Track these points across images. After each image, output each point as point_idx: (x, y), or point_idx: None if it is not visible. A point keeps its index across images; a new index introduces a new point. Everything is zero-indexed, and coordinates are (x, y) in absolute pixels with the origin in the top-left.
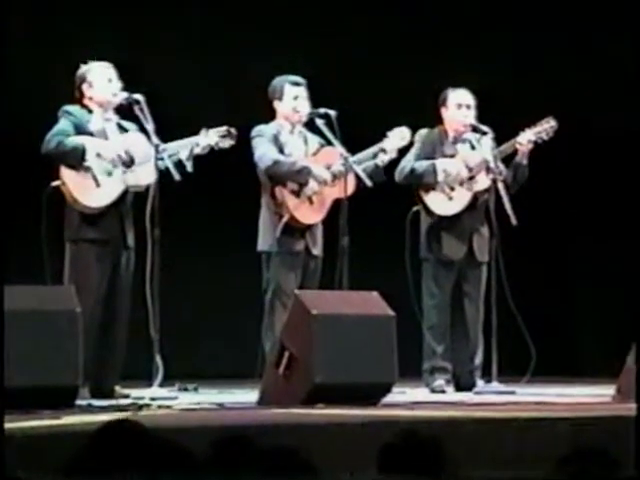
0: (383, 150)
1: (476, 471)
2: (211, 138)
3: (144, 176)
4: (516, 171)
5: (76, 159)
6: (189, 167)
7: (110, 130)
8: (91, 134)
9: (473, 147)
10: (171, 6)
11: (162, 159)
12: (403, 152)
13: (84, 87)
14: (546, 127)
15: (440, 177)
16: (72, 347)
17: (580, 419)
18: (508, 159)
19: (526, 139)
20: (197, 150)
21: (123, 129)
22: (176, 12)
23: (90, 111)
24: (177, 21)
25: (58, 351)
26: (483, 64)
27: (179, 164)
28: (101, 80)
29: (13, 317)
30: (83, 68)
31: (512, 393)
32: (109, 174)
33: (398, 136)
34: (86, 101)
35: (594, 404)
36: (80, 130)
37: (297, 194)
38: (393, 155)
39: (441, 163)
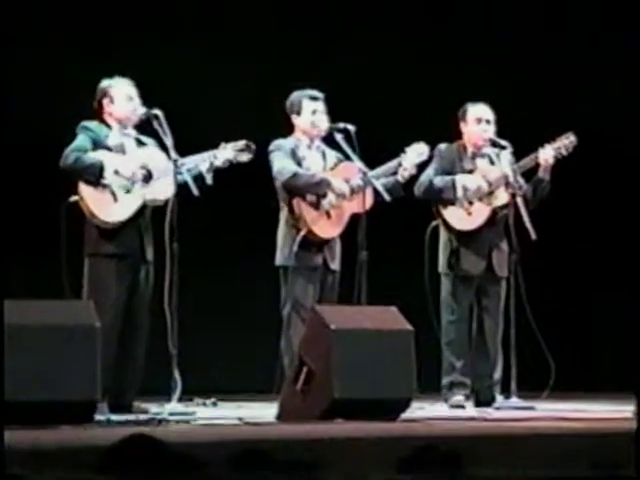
0: (401, 165)
1: None
2: (230, 152)
3: (162, 191)
4: (536, 186)
5: (94, 176)
6: (209, 180)
7: (128, 145)
8: (109, 149)
9: (492, 162)
10: (189, 21)
11: (181, 173)
12: (422, 167)
13: (105, 102)
14: (566, 142)
15: (459, 193)
16: (91, 362)
17: (600, 435)
18: (529, 174)
19: (546, 155)
20: (217, 163)
21: (141, 144)
22: (194, 27)
23: (108, 126)
24: (195, 36)
25: (77, 366)
26: (502, 79)
27: (199, 177)
28: (122, 97)
29: (32, 332)
30: (105, 82)
31: (531, 409)
32: (127, 191)
33: (416, 151)
34: (105, 116)
35: (614, 420)
36: (98, 145)
37: (315, 207)
38: (413, 171)
39: (460, 179)
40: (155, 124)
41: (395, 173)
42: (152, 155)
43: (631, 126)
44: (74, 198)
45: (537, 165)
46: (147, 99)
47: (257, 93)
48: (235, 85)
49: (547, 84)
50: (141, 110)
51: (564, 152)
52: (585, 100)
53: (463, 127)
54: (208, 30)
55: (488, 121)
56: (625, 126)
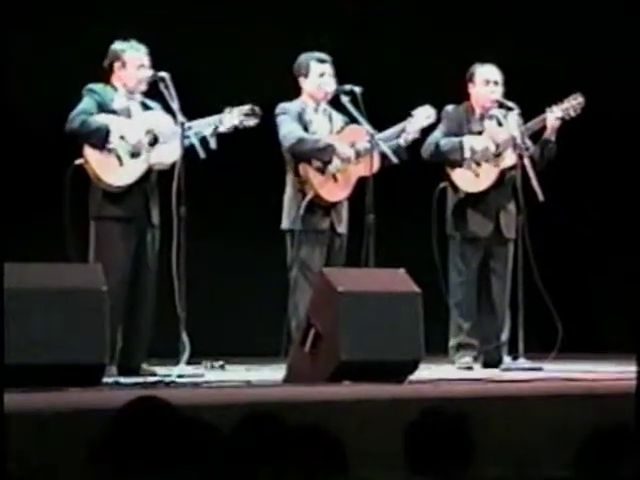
0: (405, 129)
1: (502, 450)
2: (235, 117)
3: (168, 154)
4: (544, 148)
5: (100, 140)
6: (213, 144)
7: (134, 109)
8: (115, 112)
9: (500, 124)
10: None
11: (188, 137)
12: (430, 129)
13: (116, 65)
14: (573, 103)
15: (467, 154)
16: (99, 325)
17: (607, 395)
18: (536, 136)
19: (554, 116)
20: (221, 128)
21: (147, 108)
22: None
23: (115, 88)
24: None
25: (85, 329)
26: (510, 39)
27: (203, 141)
28: (135, 64)
29: (39, 295)
30: (119, 46)
31: (539, 369)
32: (133, 155)
33: (423, 114)
34: (114, 79)
35: (620, 380)
36: (103, 108)
37: (322, 171)
38: (416, 135)
39: (468, 140)
40: (162, 87)
41: (399, 136)
42: (158, 119)
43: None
44: (79, 161)
45: (544, 126)
46: (154, 62)
47: (264, 55)
48: (241, 47)
49: (553, 44)
50: (148, 72)
51: (572, 113)
52: (593, 61)
53: (471, 88)
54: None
55: (496, 82)
56: (634, 86)
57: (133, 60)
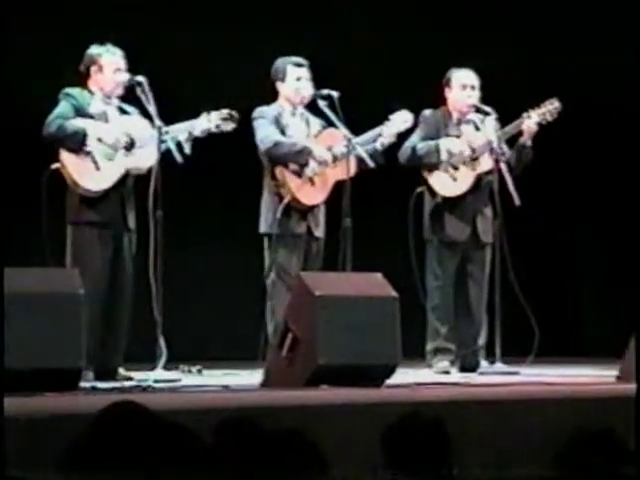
0: (382, 134)
1: (480, 453)
2: (213, 121)
3: (145, 159)
4: (520, 152)
5: (77, 143)
6: (187, 149)
7: (111, 113)
8: (92, 117)
9: (477, 128)
10: None
11: (165, 141)
12: (407, 134)
13: (93, 69)
14: (550, 108)
15: (443, 156)
16: (75, 329)
17: (583, 400)
18: (512, 140)
19: (530, 121)
20: (196, 132)
21: (124, 112)
22: None
23: (91, 93)
24: (179, 3)
25: (61, 333)
26: (486, 44)
27: (179, 146)
28: (111, 68)
29: (16, 299)
30: (96, 50)
31: (516, 374)
32: (110, 159)
33: (400, 119)
34: (90, 83)
35: (598, 385)
36: (81, 113)
37: (298, 175)
38: (392, 139)
39: (444, 142)
40: (138, 91)
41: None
42: (135, 123)
43: (616, 91)
44: (55, 165)
45: (520, 131)
46: (131, 67)
47: (241, 61)
48: (220, 53)
49: (531, 49)
50: (125, 76)
51: (549, 118)
52: (568, 65)
53: (448, 93)
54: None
55: (473, 87)
56: (610, 92)
57: (110, 64)
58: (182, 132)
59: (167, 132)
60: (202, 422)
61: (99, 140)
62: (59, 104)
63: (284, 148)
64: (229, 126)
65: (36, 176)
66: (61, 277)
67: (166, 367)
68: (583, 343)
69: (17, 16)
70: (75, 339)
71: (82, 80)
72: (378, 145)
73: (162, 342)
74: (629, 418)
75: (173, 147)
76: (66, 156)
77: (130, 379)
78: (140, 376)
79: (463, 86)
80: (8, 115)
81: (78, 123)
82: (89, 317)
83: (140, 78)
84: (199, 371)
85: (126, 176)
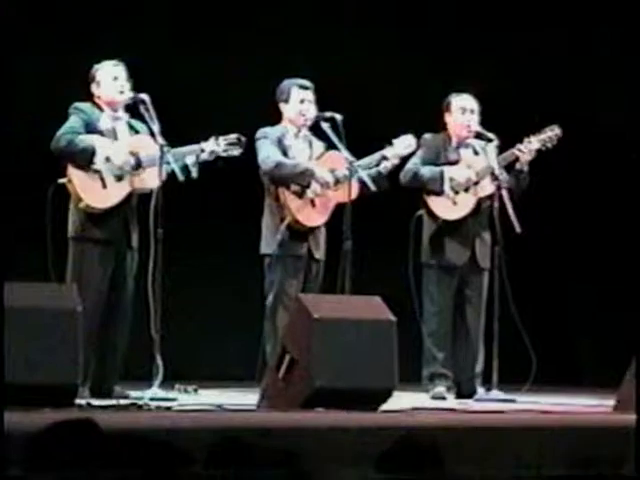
0: (385, 157)
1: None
2: (221, 145)
3: (150, 179)
4: (517, 178)
5: (85, 160)
6: (194, 173)
7: (120, 130)
8: (101, 133)
9: (476, 152)
10: (183, 9)
11: (168, 163)
12: (407, 158)
13: (93, 86)
14: (550, 135)
15: (446, 186)
16: (72, 346)
17: (580, 429)
18: (509, 166)
19: (530, 147)
20: (203, 156)
21: (133, 128)
22: (188, 15)
23: (101, 109)
24: (186, 25)
25: (58, 349)
26: (488, 70)
27: (185, 169)
28: (108, 79)
29: (14, 314)
30: (94, 67)
31: (512, 401)
32: (117, 178)
33: (403, 143)
34: (96, 100)
35: (594, 414)
36: (90, 128)
37: (300, 196)
38: (395, 162)
39: (448, 171)
40: (142, 109)
41: (380, 164)
42: (143, 142)
43: (614, 118)
44: (62, 180)
45: (517, 157)
46: (136, 86)
47: (246, 84)
48: (225, 77)
49: (531, 75)
50: (128, 94)
51: (549, 145)
52: (567, 92)
53: (447, 117)
54: (200, 17)
55: (472, 111)
56: (608, 118)
57: (105, 75)
58: (189, 155)
59: (169, 151)
60: (197, 442)
61: (107, 159)
62: (69, 118)
63: (286, 169)
64: (236, 151)
65: (42, 190)
66: (60, 292)
67: (162, 386)
68: (580, 371)
69: (25, 34)
70: (72, 355)
71: (91, 100)
72: (382, 169)
73: (159, 360)
74: (625, 447)
75: (177, 169)
76: (73, 172)
77: (126, 397)
78: (136, 394)
79: (462, 110)
80: (16, 128)
81: (87, 140)
82: (87, 334)
83: (143, 96)
84: (195, 390)
85: (131, 195)
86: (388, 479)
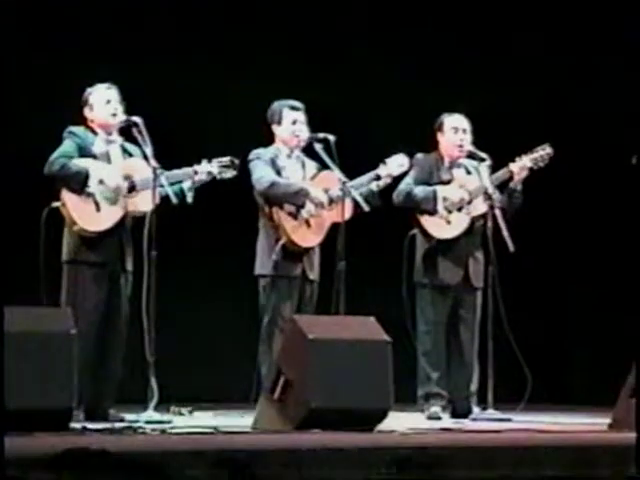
0: (378, 177)
1: None
2: (214, 168)
3: (144, 202)
4: (510, 197)
5: (78, 184)
6: (189, 198)
7: (113, 153)
8: (94, 156)
9: (468, 172)
10: (176, 30)
11: (162, 186)
12: (400, 177)
13: (86, 110)
14: (542, 154)
15: (440, 206)
16: (67, 369)
17: (576, 447)
18: (502, 185)
19: (522, 166)
20: (201, 177)
21: (127, 152)
22: (181, 39)
23: (95, 132)
24: (182, 46)
25: (53, 373)
26: (480, 90)
27: (180, 193)
28: (100, 102)
29: (8, 338)
30: (87, 90)
31: (508, 420)
32: (111, 202)
33: (396, 163)
34: (89, 123)
35: (590, 432)
36: (84, 152)
37: (294, 216)
38: (388, 181)
39: (442, 190)
40: (134, 131)
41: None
42: (136, 165)
43: (604, 137)
44: (56, 204)
45: (511, 176)
46: (129, 109)
47: (238, 103)
48: (219, 99)
49: (523, 95)
50: (121, 117)
51: (541, 163)
52: (559, 111)
53: (440, 137)
54: (192, 39)
55: (464, 130)
56: (598, 136)
57: (98, 98)
58: (182, 178)
59: (162, 173)
60: (192, 464)
61: (100, 182)
62: (63, 142)
63: (281, 188)
64: (229, 173)
65: (36, 213)
66: (54, 316)
67: (157, 408)
68: (575, 390)
69: (20, 56)
70: (67, 379)
71: (84, 124)
72: (374, 187)
73: (154, 383)
74: (623, 466)
75: (171, 192)
76: (67, 195)
77: (121, 420)
78: (131, 417)
79: (455, 129)
80: (9, 152)
81: (81, 163)
82: (82, 357)
83: (136, 118)
84: (190, 413)
85: (125, 218)
86: None
